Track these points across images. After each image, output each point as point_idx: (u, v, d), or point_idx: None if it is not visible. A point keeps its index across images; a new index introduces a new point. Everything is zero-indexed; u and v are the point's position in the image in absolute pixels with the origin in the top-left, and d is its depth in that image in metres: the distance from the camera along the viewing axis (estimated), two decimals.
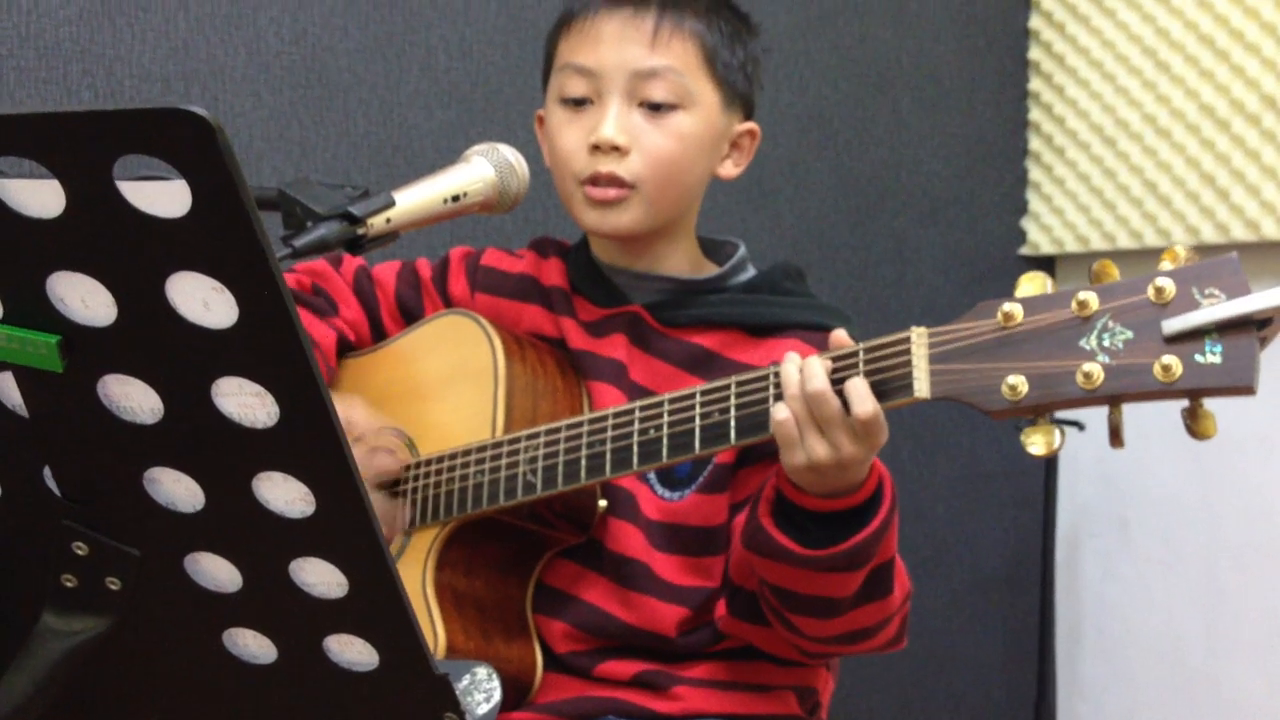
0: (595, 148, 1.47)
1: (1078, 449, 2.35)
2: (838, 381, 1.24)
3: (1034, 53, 2.78)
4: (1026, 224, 2.81)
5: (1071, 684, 2.80)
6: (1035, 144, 2.80)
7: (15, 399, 0.82)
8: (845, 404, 1.23)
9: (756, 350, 1.50)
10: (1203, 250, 2.43)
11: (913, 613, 1.43)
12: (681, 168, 1.49)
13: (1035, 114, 2.80)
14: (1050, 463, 2.65)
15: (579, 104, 1.50)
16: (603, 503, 1.49)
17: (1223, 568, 2.54)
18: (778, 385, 1.28)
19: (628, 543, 1.48)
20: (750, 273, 1.58)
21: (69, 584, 0.86)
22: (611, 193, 1.47)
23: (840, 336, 1.28)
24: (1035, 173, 2.81)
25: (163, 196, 0.72)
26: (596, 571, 1.50)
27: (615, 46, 1.47)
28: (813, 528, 1.30)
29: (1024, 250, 2.81)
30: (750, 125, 1.56)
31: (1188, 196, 2.49)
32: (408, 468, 1.53)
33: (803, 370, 1.25)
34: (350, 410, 1.53)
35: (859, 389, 1.22)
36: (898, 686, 2.73)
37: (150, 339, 0.77)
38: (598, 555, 1.50)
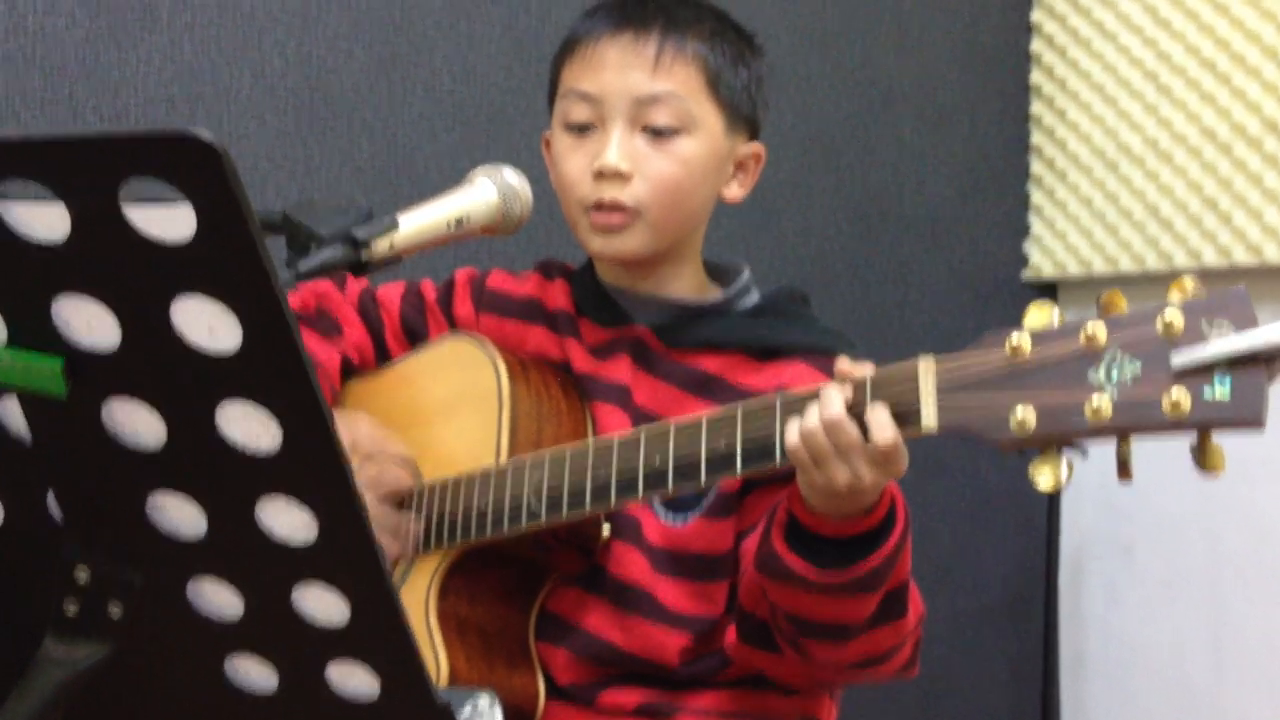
0: (599, 174, 1.47)
1: (1080, 473, 2.33)
2: (853, 408, 1.23)
3: (1035, 77, 2.79)
4: (1029, 247, 2.81)
5: (1076, 709, 2.79)
6: (1037, 168, 2.80)
7: (19, 423, 0.82)
8: (864, 431, 1.22)
9: (761, 374, 1.49)
10: (1207, 276, 2.42)
11: None
12: (685, 192, 1.49)
13: (1037, 138, 2.80)
14: None
15: (583, 130, 1.49)
16: (606, 528, 1.48)
17: (1227, 592, 2.54)
18: (783, 413, 1.27)
19: (630, 567, 1.48)
20: (755, 296, 1.58)
21: (70, 610, 0.85)
22: (615, 218, 1.47)
23: (843, 365, 1.27)
24: (1037, 196, 2.81)
25: (168, 220, 0.72)
26: (598, 596, 1.50)
27: (617, 72, 1.47)
28: (826, 551, 1.28)
29: (1026, 274, 2.81)
30: (755, 147, 1.56)
31: (1190, 220, 2.49)
32: (412, 493, 1.52)
33: (820, 397, 1.24)
34: (355, 428, 1.53)
35: (880, 417, 1.21)
36: (901, 713, 2.72)
37: (155, 363, 0.77)
38: (600, 580, 1.49)
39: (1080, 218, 2.71)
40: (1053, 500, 2.67)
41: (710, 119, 1.49)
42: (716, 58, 1.50)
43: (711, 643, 1.48)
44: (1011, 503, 2.79)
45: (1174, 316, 1.10)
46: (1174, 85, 2.51)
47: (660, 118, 1.47)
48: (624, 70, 1.47)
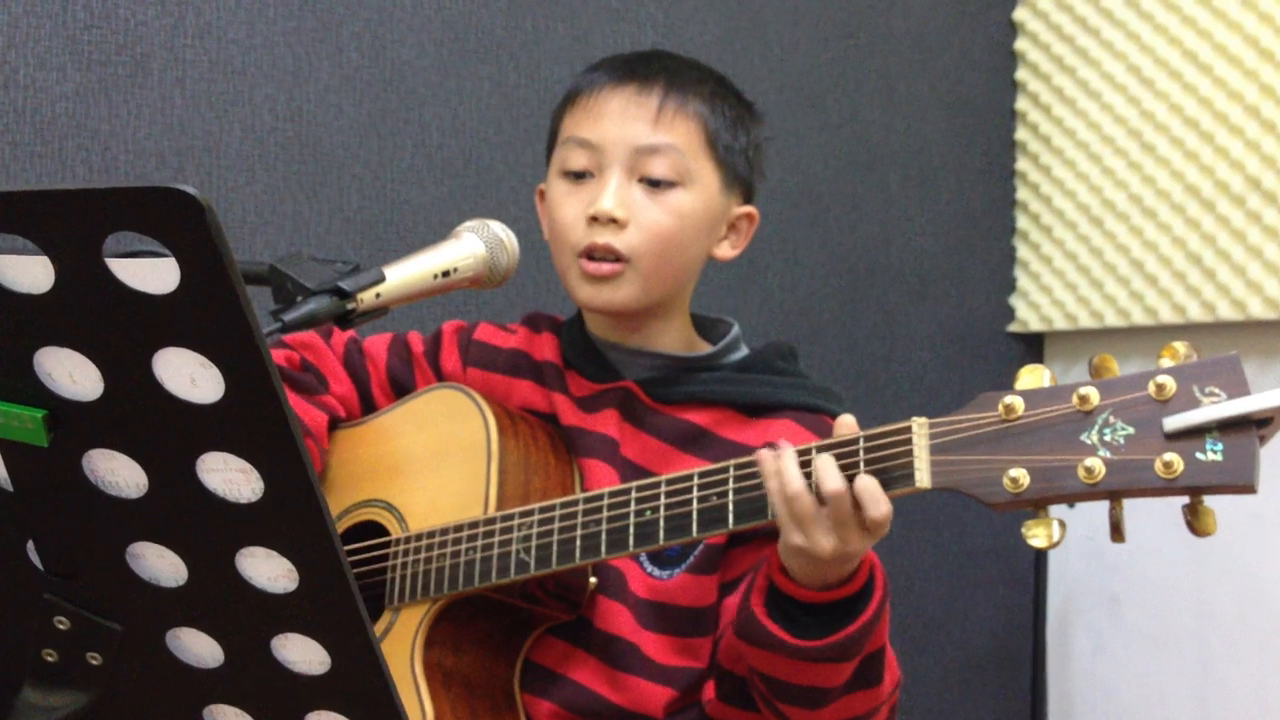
0: (593, 219, 1.48)
1: (1068, 526, 2.35)
2: (843, 470, 1.23)
3: (1020, 133, 2.81)
4: (1015, 301, 2.83)
5: None
6: (1023, 223, 2.83)
7: (0, 473, 0.82)
8: (855, 502, 1.22)
9: (750, 430, 1.50)
10: (1190, 331, 2.42)
11: (904, 690, 1.42)
12: (678, 244, 1.50)
13: (1022, 193, 2.82)
14: None
15: (580, 177, 1.51)
16: (593, 580, 1.48)
17: (1214, 645, 2.53)
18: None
19: (616, 622, 1.47)
20: (743, 351, 1.59)
21: (50, 659, 0.85)
22: (606, 267, 1.48)
23: (847, 422, 1.27)
24: (1023, 251, 2.83)
25: (151, 273, 0.73)
26: (585, 650, 1.49)
27: (618, 122, 1.49)
28: (804, 618, 1.29)
29: (1012, 327, 2.83)
30: (749, 209, 1.57)
31: (1174, 276, 2.51)
32: (397, 541, 1.52)
33: (817, 470, 1.23)
34: None
35: (872, 490, 1.21)
36: None
37: (137, 414, 0.78)
38: (586, 634, 1.49)
39: (1065, 272, 2.73)
40: (1040, 553, 2.67)
41: (707, 176, 1.51)
42: (716, 118, 1.51)
43: (696, 695, 1.48)
44: (999, 555, 2.79)
45: (1166, 381, 1.11)
46: (1158, 143, 2.53)
47: (658, 169, 1.48)
48: (625, 120, 1.49)
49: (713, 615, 1.47)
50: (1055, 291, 2.75)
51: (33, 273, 0.74)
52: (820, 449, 1.25)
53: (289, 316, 1.20)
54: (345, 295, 1.24)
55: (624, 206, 1.47)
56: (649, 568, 1.48)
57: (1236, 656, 2.50)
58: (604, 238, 1.47)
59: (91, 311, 0.75)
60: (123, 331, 0.75)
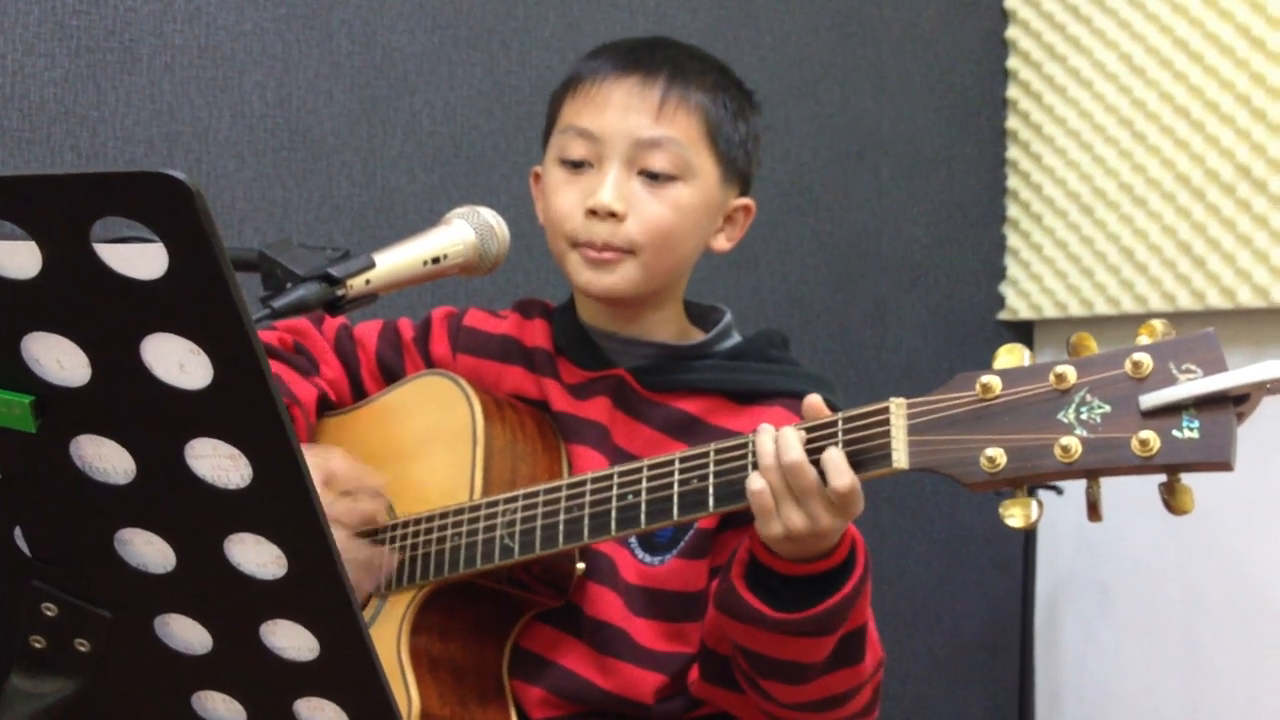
0: (591, 212, 1.47)
1: (1057, 514, 2.35)
2: (814, 452, 1.24)
3: (1011, 122, 2.82)
4: (1005, 290, 2.83)
5: None
6: (1013, 211, 2.83)
7: None
8: (822, 475, 1.23)
9: (740, 417, 1.50)
10: (1181, 319, 2.43)
11: (892, 677, 1.42)
12: (676, 238, 1.50)
13: (1013, 182, 2.82)
14: None
15: (578, 166, 1.50)
16: (580, 565, 1.48)
17: (1202, 633, 2.54)
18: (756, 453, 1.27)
19: (606, 608, 1.48)
20: (735, 339, 1.59)
21: (38, 645, 0.85)
22: (608, 254, 1.48)
23: (815, 404, 1.28)
24: (1013, 239, 2.83)
25: (140, 258, 0.73)
26: (575, 637, 1.49)
27: (620, 114, 1.48)
28: (784, 591, 1.29)
29: (1002, 315, 2.83)
30: (746, 201, 1.57)
31: (1164, 264, 2.51)
32: (385, 529, 1.52)
33: (778, 441, 1.25)
34: (329, 460, 1.53)
35: (836, 461, 1.22)
36: None
37: (124, 400, 0.78)
38: (576, 620, 1.49)
39: (1056, 260, 2.73)
40: (1029, 540, 2.67)
41: (707, 169, 1.51)
42: (718, 110, 1.51)
43: (686, 680, 1.48)
44: (988, 542, 2.80)
45: (1142, 358, 1.11)
46: (1148, 131, 2.53)
47: (658, 163, 1.48)
48: (627, 112, 1.48)
49: (703, 600, 1.47)
50: (1045, 279, 2.75)
51: (20, 258, 0.74)
52: (799, 430, 1.25)
53: (278, 303, 1.20)
54: (334, 281, 1.24)
55: (623, 200, 1.47)
56: (640, 554, 1.48)
57: (1224, 644, 2.51)
58: (602, 233, 1.47)
59: (79, 297, 0.74)
60: (111, 317, 0.75)
